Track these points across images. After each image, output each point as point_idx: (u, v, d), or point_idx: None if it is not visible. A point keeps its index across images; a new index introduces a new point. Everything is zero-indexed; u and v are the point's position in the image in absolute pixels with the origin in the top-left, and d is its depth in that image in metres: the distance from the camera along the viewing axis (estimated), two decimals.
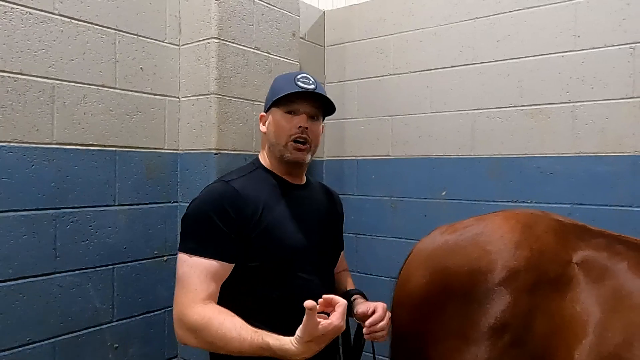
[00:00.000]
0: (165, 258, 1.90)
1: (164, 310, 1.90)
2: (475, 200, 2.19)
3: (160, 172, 1.88)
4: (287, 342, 1.07)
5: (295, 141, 1.33)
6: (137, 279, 1.80)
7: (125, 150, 1.77)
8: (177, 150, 1.95)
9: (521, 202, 2.08)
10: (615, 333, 1.23)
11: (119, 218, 1.75)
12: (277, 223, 1.31)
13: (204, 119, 1.87)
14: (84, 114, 1.65)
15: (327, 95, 1.40)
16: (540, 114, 2.04)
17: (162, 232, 1.90)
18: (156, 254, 1.87)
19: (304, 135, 1.33)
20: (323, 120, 1.46)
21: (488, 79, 2.17)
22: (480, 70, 2.19)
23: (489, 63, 2.16)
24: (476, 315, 1.38)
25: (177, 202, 1.94)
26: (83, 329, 1.65)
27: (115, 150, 1.74)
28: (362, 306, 1.40)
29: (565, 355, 1.28)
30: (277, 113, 1.36)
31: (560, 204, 1.98)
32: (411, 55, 2.39)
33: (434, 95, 2.32)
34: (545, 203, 2.00)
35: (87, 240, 1.65)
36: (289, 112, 1.34)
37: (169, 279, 1.91)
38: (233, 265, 1.26)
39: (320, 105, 1.38)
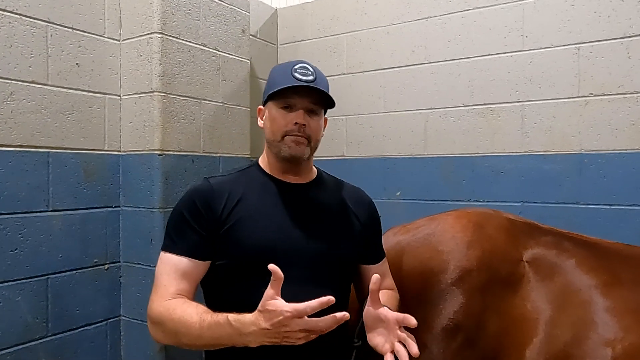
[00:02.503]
0: (106, 266, 1.79)
1: (105, 322, 1.78)
2: (429, 200, 2.19)
3: (100, 174, 1.77)
4: (247, 315, 0.99)
5: (290, 136, 1.21)
6: (74, 290, 1.68)
7: (60, 152, 1.64)
8: (119, 151, 1.84)
9: (474, 201, 2.09)
10: (565, 330, 1.23)
11: (53, 224, 1.62)
12: (250, 219, 1.19)
13: (147, 118, 1.77)
14: (12, 112, 1.52)
15: (329, 85, 1.27)
16: (490, 114, 2.06)
17: (103, 238, 1.78)
18: (96, 262, 1.75)
19: (300, 133, 1.20)
20: (325, 112, 1.30)
21: (440, 78, 2.17)
22: (432, 70, 2.19)
23: (441, 62, 2.17)
24: (429, 317, 1.35)
25: (119, 206, 1.83)
26: (13, 346, 1.51)
27: (49, 152, 1.61)
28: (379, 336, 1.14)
29: (517, 354, 1.27)
30: (272, 108, 1.23)
31: (511, 202, 2.00)
32: (364, 54, 2.37)
33: (388, 94, 2.31)
34: (496, 202, 2.02)
35: (16, 249, 1.52)
36: (285, 107, 1.21)
37: (110, 288, 1.80)
38: (208, 263, 1.20)
39: (319, 98, 1.23)
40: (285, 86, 1.17)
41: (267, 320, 0.95)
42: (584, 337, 1.21)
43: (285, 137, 1.21)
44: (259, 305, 0.97)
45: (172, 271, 1.16)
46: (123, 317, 1.83)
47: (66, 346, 1.66)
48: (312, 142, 1.23)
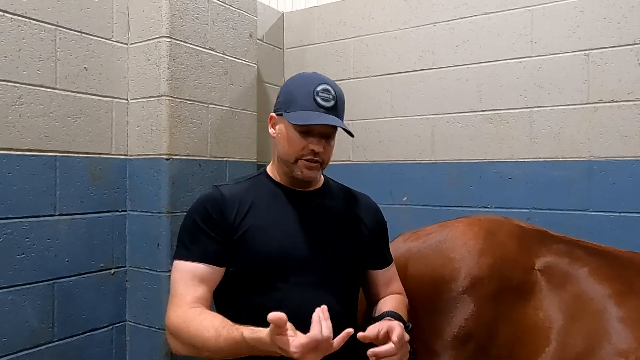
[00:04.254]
0: (112, 271, 1.78)
1: (111, 327, 1.77)
2: (436, 206, 2.18)
3: (107, 178, 1.76)
4: (263, 331, 0.95)
5: (305, 160, 1.20)
6: (80, 295, 1.67)
7: (67, 156, 1.64)
8: (126, 155, 1.83)
9: (481, 207, 2.08)
10: (578, 340, 1.22)
11: (60, 229, 1.61)
12: (261, 228, 1.20)
13: (154, 122, 1.76)
14: (20, 116, 1.51)
15: (344, 102, 1.25)
16: (499, 119, 2.05)
17: (109, 243, 1.77)
18: (102, 266, 1.74)
19: (315, 158, 1.20)
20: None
21: (448, 83, 2.16)
22: (440, 75, 2.18)
23: (449, 68, 2.16)
24: (440, 325, 1.34)
25: (125, 210, 1.82)
26: (18, 351, 1.50)
27: (56, 156, 1.61)
28: (372, 327, 1.11)
29: None
30: (289, 127, 1.20)
31: (519, 208, 1.99)
32: (371, 59, 2.36)
33: (395, 99, 2.30)
34: (504, 208, 2.01)
35: (23, 253, 1.51)
36: (304, 131, 1.19)
37: (116, 293, 1.79)
38: (223, 269, 1.19)
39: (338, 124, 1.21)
40: (308, 123, 1.16)
41: (282, 351, 0.92)
42: (597, 347, 1.19)
43: (298, 161, 1.21)
44: (269, 331, 0.91)
45: (189, 278, 1.15)
46: (129, 322, 1.82)
47: (72, 351, 1.64)
48: (324, 165, 1.25)
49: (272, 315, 0.88)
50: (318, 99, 1.17)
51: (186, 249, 1.19)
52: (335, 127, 1.21)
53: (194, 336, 1.06)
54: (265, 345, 0.94)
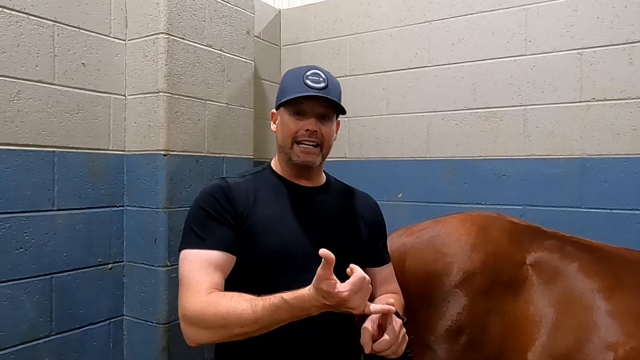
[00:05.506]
0: (110, 266, 1.79)
1: (108, 322, 1.78)
2: (431, 202, 2.20)
3: (105, 174, 1.77)
4: (303, 289, 1.00)
5: (301, 143, 1.22)
6: (78, 289, 1.68)
7: (65, 151, 1.65)
8: (124, 151, 1.84)
9: (475, 203, 2.10)
10: (567, 333, 1.24)
11: (58, 223, 1.63)
12: (267, 223, 1.21)
13: (152, 118, 1.77)
14: (18, 111, 1.52)
15: (341, 88, 1.29)
16: (493, 117, 2.07)
17: (107, 238, 1.78)
18: (100, 261, 1.76)
19: (312, 139, 1.22)
20: (337, 117, 1.31)
21: (443, 81, 2.18)
22: (435, 73, 2.20)
23: (444, 66, 2.18)
24: (433, 319, 1.37)
25: (123, 206, 1.83)
26: (17, 345, 1.51)
27: (54, 151, 1.62)
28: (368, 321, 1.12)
29: (519, 357, 1.29)
30: (284, 114, 1.24)
31: (513, 205, 2.02)
32: (367, 56, 2.38)
33: (390, 97, 2.32)
34: (498, 204, 2.03)
35: (21, 248, 1.53)
36: (296, 113, 1.22)
37: (113, 288, 1.81)
38: (235, 258, 1.19)
39: (331, 104, 1.23)
40: (295, 96, 1.19)
41: (326, 298, 0.97)
42: (586, 341, 1.22)
43: (294, 145, 1.23)
44: (314, 281, 0.97)
45: (203, 266, 1.13)
46: (126, 317, 1.84)
47: (69, 345, 1.66)
48: (323, 149, 1.26)
49: (323, 250, 0.92)
50: (307, 81, 1.20)
51: (197, 237, 1.17)
52: (329, 108, 1.23)
53: (225, 314, 1.04)
54: (308, 300, 0.98)
